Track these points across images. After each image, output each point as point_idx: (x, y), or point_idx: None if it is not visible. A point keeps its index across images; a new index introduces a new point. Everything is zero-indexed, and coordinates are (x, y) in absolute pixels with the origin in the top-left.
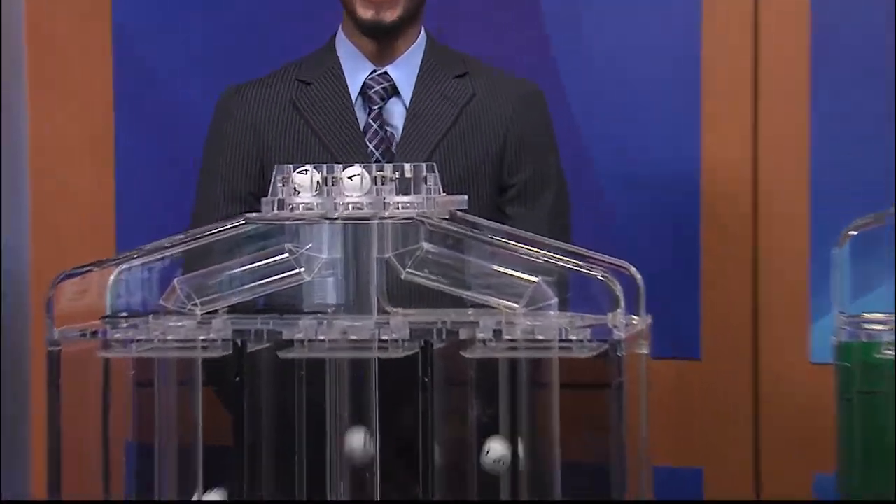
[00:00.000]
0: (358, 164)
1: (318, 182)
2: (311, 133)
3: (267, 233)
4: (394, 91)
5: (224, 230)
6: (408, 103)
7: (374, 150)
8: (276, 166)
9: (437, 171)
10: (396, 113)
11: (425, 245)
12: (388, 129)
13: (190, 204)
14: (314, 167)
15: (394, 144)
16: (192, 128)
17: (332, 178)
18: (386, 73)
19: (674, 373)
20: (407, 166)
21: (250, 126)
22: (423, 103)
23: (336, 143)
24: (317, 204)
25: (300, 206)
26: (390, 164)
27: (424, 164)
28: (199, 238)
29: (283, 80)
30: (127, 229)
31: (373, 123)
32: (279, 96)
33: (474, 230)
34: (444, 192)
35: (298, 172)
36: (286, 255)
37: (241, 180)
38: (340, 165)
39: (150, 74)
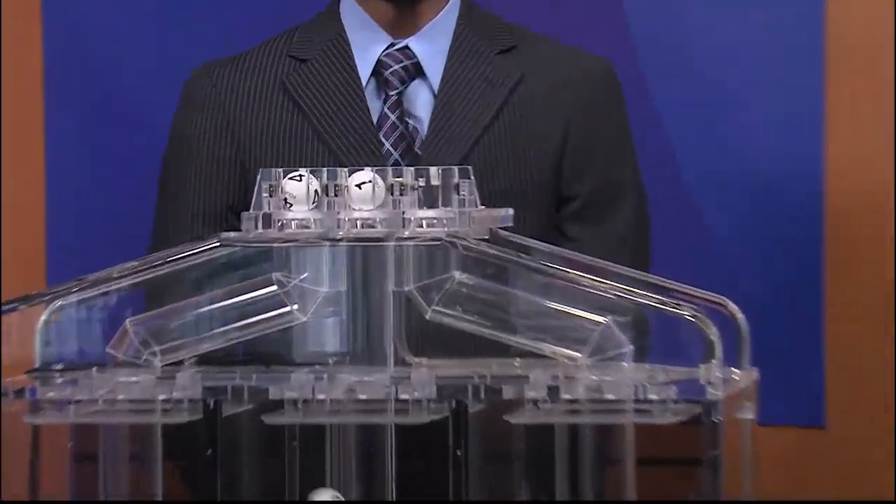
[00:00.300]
0: (369, 168)
1: (316, 192)
2: (308, 127)
3: (248, 259)
4: (417, 71)
5: (192, 255)
6: (436, 87)
7: (391, 149)
8: (261, 171)
9: (473, 177)
10: (421, 100)
11: (458, 275)
12: (410, 121)
13: (146, 217)
14: (311, 172)
15: (417, 141)
16: (145, 117)
17: (335, 186)
18: (407, 47)
19: (790, 444)
20: (433, 170)
21: (226, 118)
22: (456, 87)
23: (341, 139)
24: (315, 220)
25: (293, 223)
26: (412, 168)
27: (457, 168)
28: (158, 266)
29: (270, 57)
30: (60, 252)
31: (390, 114)
32: (265, 78)
33: (523, 255)
34: (482, 204)
35: (290, 179)
36: (274, 287)
37: (216, 192)
38: (346, 170)
39: (89, 48)
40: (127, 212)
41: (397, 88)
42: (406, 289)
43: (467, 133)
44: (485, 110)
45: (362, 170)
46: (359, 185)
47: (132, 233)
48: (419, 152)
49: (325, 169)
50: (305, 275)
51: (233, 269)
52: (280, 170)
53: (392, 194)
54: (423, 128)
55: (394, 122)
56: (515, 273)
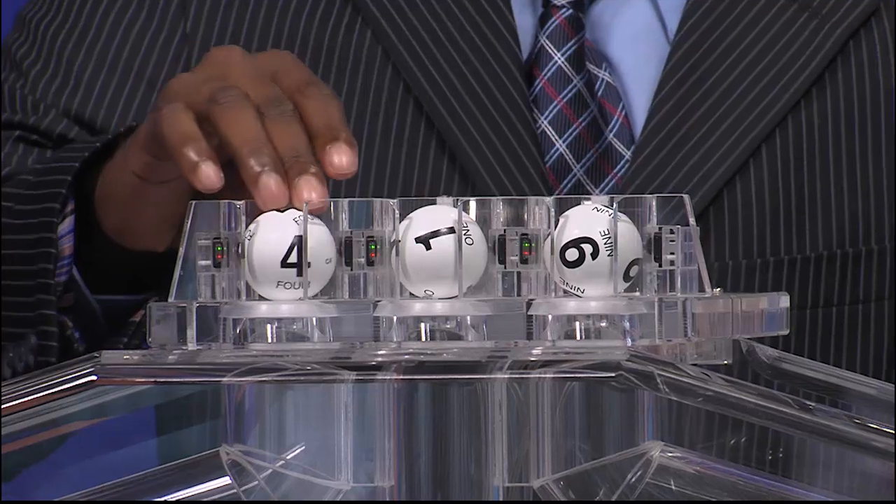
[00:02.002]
0: (448, 199)
1: (324, 257)
2: (374, 45)
3: (162, 413)
4: None
5: (31, 401)
6: (666, 2)
7: (548, 131)
8: (192, 206)
9: (693, 220)
10: (628, 26)
11: (656, 450)
12: (599, 72)
13: None
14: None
15: (615, 118)
16: None
17: (370, 240)
18: None
19: None
20: (596, 209)
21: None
22: (720, 7)
23: (441, 92)
24: (320, 322)
25: (269, 327)
26: (549, 200)
27: (654, 200)
28: None
29: None
30: None
31: (552, 50)
32: None
33: (815, 407)
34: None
35: (265, 225)
36: (224, 480)
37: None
38: (393, 203)
39: None
40: None
41: None
42: (535, 483)
43: (749, 110)
44: (788, 66)
45: (432, 202)
46: (424, 241)
47: None
48: (619, 147)
49: (344, 201)
50: (298, 450)
51: (122, 437)
52: (237, 203)
53: (502, 260)
54: (631, 89)
55: (563, 68)
56: (802, 450)
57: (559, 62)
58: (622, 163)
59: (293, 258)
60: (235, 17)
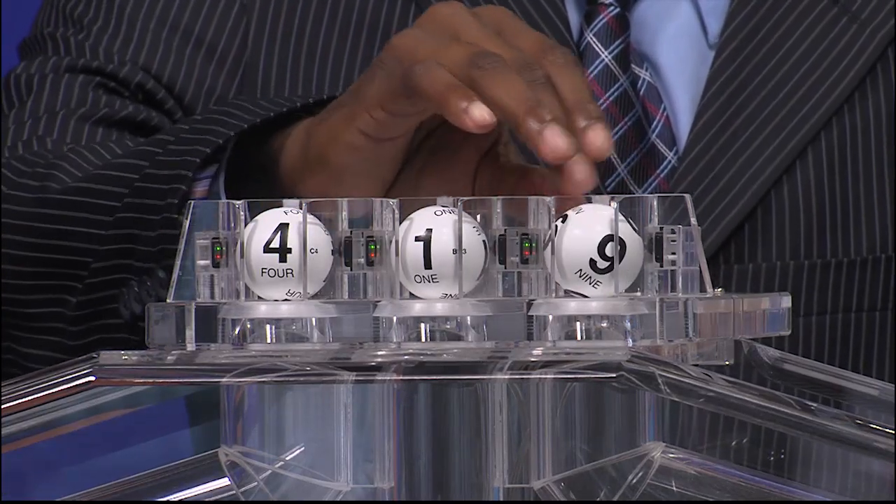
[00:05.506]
0: (448, 200)
1: (327, 254)
2: None
3: (160, 415)
4: None
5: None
6: (706, 5)
7: None
8: (191, 206)
9: (694, 219)
10: (671, 30)
11: (658, 451)
12: (642, 73)
13: None
14: (312, 206)
15: (657, 120)
16: None
17: (369, 239)
18: None
19: None
20: (599, 208)
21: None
22: (762, 14)
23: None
24: (320, 322)
25: (268, 328)
26: (547, 200)
27: (655, 199)
28: None
29: None
30: None
31: (600, 49)
32: None
33: (817, 407)
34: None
35: (263, 222)
36: (223, 481)
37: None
38: (393, 203)
39: None
40: None
41: None
42: (536, 484)
43: (794, 113)
44: (831, 70)
45: (431, 202)
46: (424, 239)
47: None
48: (662, 148)
49: (343, 200)
50: (297, 451)
51: (120, 438)
52: (237, 203)
53: (501, 260)
54: (672, 89)
55: (609, 67)
56: (804, 451)
57: (606, 60)
58: (664, 163)
59: (275, 243)
60: None
